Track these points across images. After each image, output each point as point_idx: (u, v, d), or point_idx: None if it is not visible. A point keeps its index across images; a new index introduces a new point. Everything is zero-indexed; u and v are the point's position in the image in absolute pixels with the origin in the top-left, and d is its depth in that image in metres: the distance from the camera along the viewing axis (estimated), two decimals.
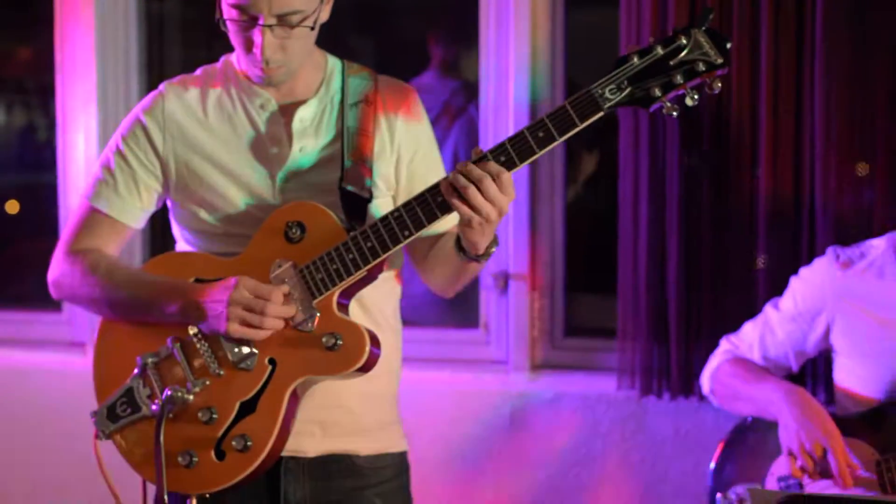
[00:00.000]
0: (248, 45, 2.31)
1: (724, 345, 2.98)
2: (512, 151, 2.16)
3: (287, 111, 2.39)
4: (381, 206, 2.37)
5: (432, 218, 2.22)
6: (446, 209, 2.20)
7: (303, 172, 2.38)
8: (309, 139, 2.39)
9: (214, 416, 2.29)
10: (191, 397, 2.30)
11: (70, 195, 3.85)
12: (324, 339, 2.25)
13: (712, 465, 2.89)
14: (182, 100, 2.43)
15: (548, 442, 3.47)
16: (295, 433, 2.31)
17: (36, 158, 4.45)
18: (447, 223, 2.31)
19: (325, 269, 2.26)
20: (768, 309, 2.94)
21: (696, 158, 3.25)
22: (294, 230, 2.30)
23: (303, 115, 2.39)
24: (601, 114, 2.15)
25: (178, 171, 2.42)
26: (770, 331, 2.91)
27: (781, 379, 2.86)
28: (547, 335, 3.57)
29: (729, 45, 2.16)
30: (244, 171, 2.39)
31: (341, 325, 2.26)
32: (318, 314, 2.26)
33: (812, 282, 2.88)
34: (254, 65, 2.33)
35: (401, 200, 2.31)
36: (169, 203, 2.48)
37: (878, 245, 2.85)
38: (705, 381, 2.97)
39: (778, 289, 2.99)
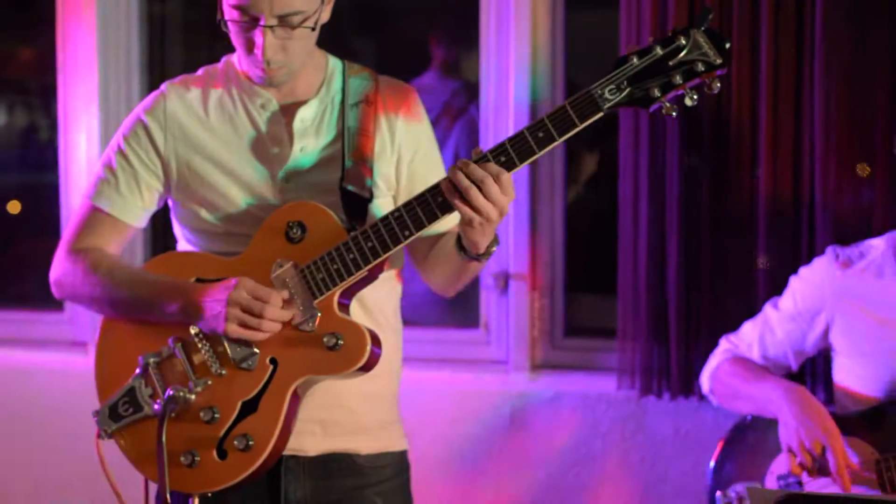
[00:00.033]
0: (250, 46, 2.31)
1: (724, 344, 2.98)
2: (512, 151, 2.17)
3: (288, 111, 2.40)
4: (382, 205, 2.38)
5: (433, 218, 2.22)
6: (447, 209, 2.21)
7: (303, 172, 2.38)
8: (310, 139, 2.40)
9: (216, 415, 2.30)
10: (192, 397, 2.30)
11: (72, 195, 3.86)
12: (325, 339, 2.26)
13: (712, 463, 2.90)
14: (183, 100, 2.44)
15: (548, 441, 3.47)
16: (295, 432, 2.32)
17: (38, 158, 4.46)
18: (448, 223, 2.32)
19: (326, 269, 2.27)
20: (768, 308, 2.95)
21: (696, 158, 3.25)
22: (295, 230, 2.30)
23: (304, 116, 2.40)
24: (601, 114, 2.16)
25: (180, 171, 2.43)
26: (769, 330, 2.92)
27: (781, 378, 2.87)
28: (547, 335, 3.57)
29: (728, 46, 2.16)
30: (245, 171, 2.40)
31: (342, 325, 2.27)
32: (320, 314, 2.26)
33: (811, 281, 2.88)
34: (255, 65, 2.34)
35: (401, 200, 2.31)
36: (170, 202, 2.48)
37: (877, 245, 2.85)
38: (705, 380, 2.98)
39: (777, 288, 2.99)
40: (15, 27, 4.37)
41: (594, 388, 3.45)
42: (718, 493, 2.82)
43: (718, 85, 2.16)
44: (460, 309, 3.73)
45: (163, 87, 2.47)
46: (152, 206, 2.48)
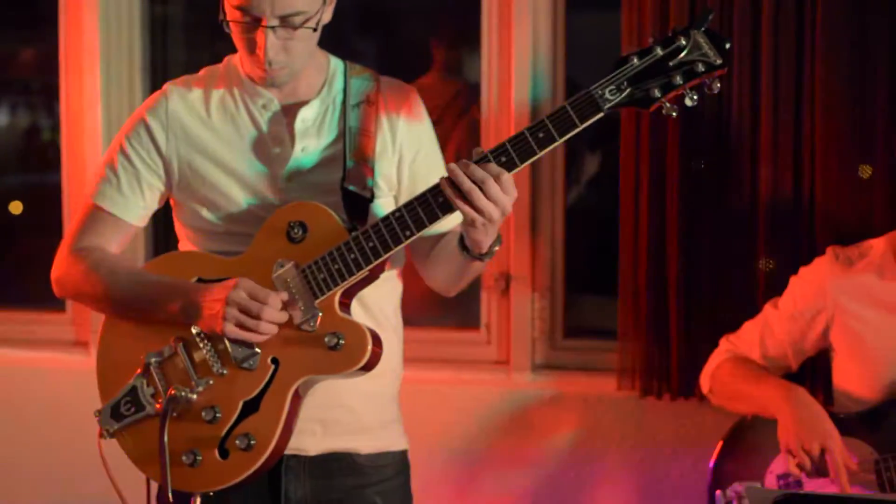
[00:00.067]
0: (251, 47, 2.32)
1: (724, 344, 2.98)
2: (512, 152, 2.18)
3: (289, 111, 2.40)
4: (383, 205, 2.39)
5: (433, 218, 2.23)
6: (447, 209, 2.21)
7: (305, 172, 2.39)
8: (311, 139, 2.41)
9: (218, 415, 2.30)
10: (194, 396, 2.31)
11: (74, 195, 3.86)
12: (326, 339, 2.26)
13: (711, 463, 2.90)
14: (185, 100, 2.45)
15: (548, 442, 3.47)
16: (296, 432, 2.33)
17: (40, 159, 4.47)
18: (449, 223, 2.33)
19: (327, 269, 2.27)
20: (768, 308, 2.95)
21: (697, 159, 3.25)
22: (296, 230, 2.31)
23: (305, 116, 2.41)
24: (601, 114, 2.17)
25: (181, 171, 2.43)
26: (769, 330, 2.92)
27: (781, 378, 2.87)
28: (547, 336, 3.57)
29: (728, 46, 2.17)
30: (247, 171, 2.40)
31: (343, 325, 2.27)
32: (321, 314, 2.27)
33: (812, 281, 2.88)
34: (257, 66, 2.34)
35: (403, 201, 2.32)
36: (172, 202, 2.49)
37: (877, 245, 2.86)
38: (705, 380, 2.98)
39: (777, 289, 3.00)
40: (17, 27, 4.38)
41: (594, 389, 3.45)
42: (718, 493, 2.81)
43: (718, 85, 2.17)
44: (461, 309, 3.73)
45: (165, 87, 2.48)
46: (154, 206, 2.49)
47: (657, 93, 2.16)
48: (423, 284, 2.57)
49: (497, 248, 2.29)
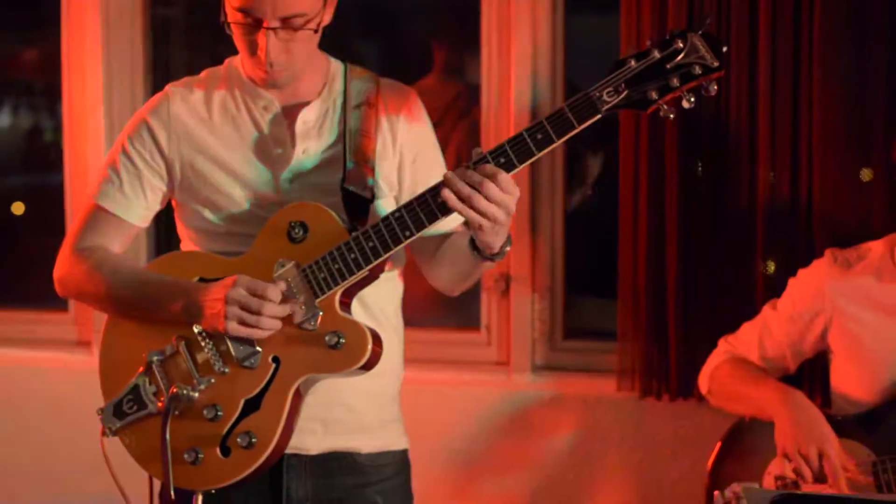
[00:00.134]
0: (253, 48, 2.33)
1: (723, 345, 2.99)
2: (511, 153, 2.19)
3: (290, 113, 2.42)
4: (383, 206, 2.40)
5: (433, 218, 2.24)
6: (446, 210, 2.22)
7: (305, 173, 2.40)
8: (312, 140, 2.42)
9: (219, 413, 2.32)
10: (196, 395, 2.32)
11: (76, 196, 3.88)
12: (327, 338, 2.28)
13: (710, 464, 2.91)
14: (187, 101, 2.46)
15: (548, 442, 3.48)
16: (297, 431, 2.34)
17: (42, 160, 4.48)
18: (450, 222, 2.34)
19: (328, 269, 2.28)
20: (766, 309, 2.96)
21: (695, 161, 3.26)
22: (297, 230, 2.32)
23: (306, 117, 2.42)
24: (599, 116, 2.18)
25: (183, 172, 2.45)
26: (768, 331, 2.93)
27: (778, 381, 2.88)
28: (547, 337, 3.58)
29: (725, 49, 2.18)
30: (248, 172, 2.42)
31: (344, 324, 2.29)
32: (321, 313, 2.28)
33: (810, 283, 2.89)
34: (258, 67, 2.36)
35: (403, 202, 2.33)
36: (174, 203, 2.50)
37: (875, 248, 2.86)
38: (703, 380, 2.99)
39: (776, 291, 3.00)
40: (20, 28, 4.39)
41: (594, 390, 3.46)
42: (716, 494, 2.83)
43: (716, 87, 2.18)
44: (461, 310, 3.74)
45: (166, 89, 2.49)
46: (156, 207, 2.50)
47: (654, 95, 2.17)
48: (423, 285, 2.58)
49: (508, 249, 2.30)
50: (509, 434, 3.51)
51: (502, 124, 3.57)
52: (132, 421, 2.38)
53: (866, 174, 3.16)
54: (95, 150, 3.86)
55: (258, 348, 2.30)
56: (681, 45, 2.16)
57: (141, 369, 2.37)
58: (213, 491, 2.33)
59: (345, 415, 2.43)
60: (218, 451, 2.31)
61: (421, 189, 2.28)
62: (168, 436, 2.27)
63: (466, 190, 2.17)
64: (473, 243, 2.29)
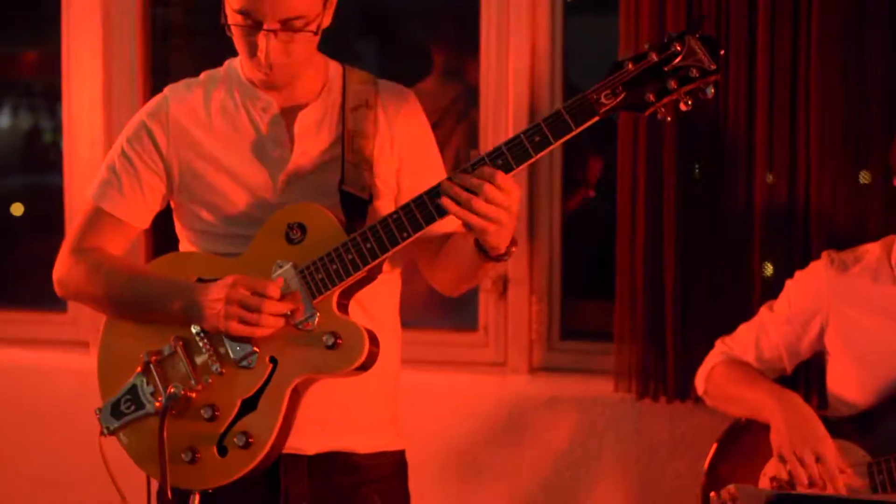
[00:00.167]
0: (252, 50, 2.34)
1: (719, 346, 2.99)
2: (508, 155, 2.19)
3: (289, 114, 2.42)
4: (382, 208, 2.40)
5: (430, 220, 2.25)
6: (444, 212, 2.22)
7: (304, 174, 2.41)
8: (310, 142, 2.43)
9: (216, 413, 2.32)
10: (193, 395, 2.33)
11: (75, 197, 3.88)
12: (324, 339, 2.28)
13: (706, 465, 2.91)
14: (186, 103, 2.47)
15: (545, 443, 3.48)
16: (294, 431, 2.34)
17: (42, 160, 4.48)
18: (452, 223, 2.34)
19: (325, 270, 2.29)
20: (763, 311, 2.96)
21: (693, 164, 3.27)
22: (295, 231, 2.33)
23: (304, 119, 2.42)
24: (596, 118, 2.18)
25: (182, 173, 2.45)
26: (765, 332, 2.93)
27: (775, 383, 2.88)
28: (544, 338, 3.59)
29: (722, 52, 2.19)
30: (246, 173, 2.42)
31: (341, 325, 2.29)
32: (319, 313, 2.29)
33: (807, 284, 2.89)
34: (257, 69, 2.36)
35: (401, 203, 2.34)
36: (172, 204, 2.51)
37: (872, 250, 2.86)
38: (700, 381, 2.99)
39: (773, 292, 3.00)
40: (20, 29, 4.39)
41: (591, 391, 3.47)
42: (713, 495, 2.83)
43: (713, 90, 2.18)
44: (459, 311, 3.74)
45: (165, 90, 2.50)
46: (155, 208, 2.51)
47: (652, 98, 2.17)
48: (421, 286, 2.58)
49: (514, 248, 2.30)
50: (506, 435, 3.51)
51: (501, 126, 3.57)
52: (130, 421, 2.39)
53: (865, 177, 3.17)
54: (94, 152, 3.86)
55: (255, 349, 2.31)
56: (678, 48, 2.17)
57: (139, 369, 2.37)
58: (210, 490, 2.34)
59: (342, 415, 2.44)
60: (215, 450, 2.32)
61: (419, 191, 2.28)
62: (165, 436, 2.27)
63: (465, 195, 2.17)
64: (479, 244, 2.29)
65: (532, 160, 2.20)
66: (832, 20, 3.13)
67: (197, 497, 2.34)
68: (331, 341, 2.27)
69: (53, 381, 3.85)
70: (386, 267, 2.40)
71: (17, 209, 4.42)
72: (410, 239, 2.26)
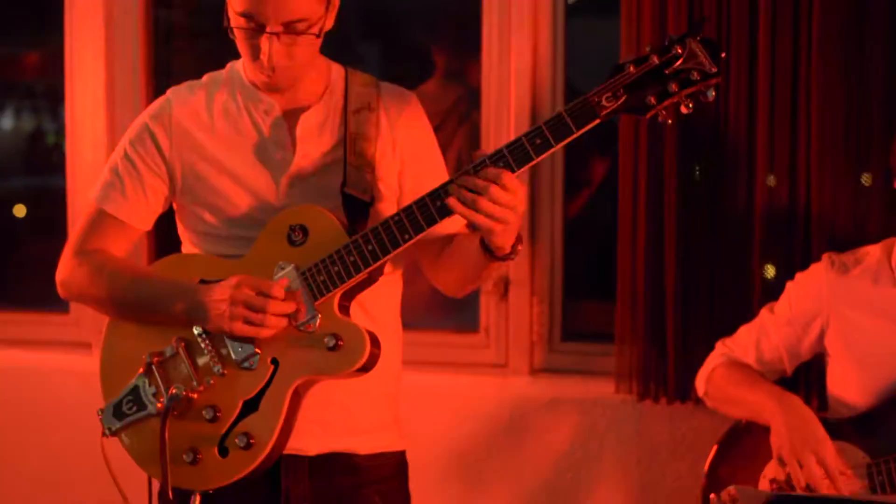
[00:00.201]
0: (255, 52, 2.34)
1: (720, 347, 3.00)
2: (509, 157, 2.20)
3: (291, 117, 2.43)
4: (384, 210, 2.41)
5: (432, 222, 2.25)
6: (445, 213, 2.23)
7: (306, 177, 2.42)
8: (312, 144, 2.43)
9: (218, 414, 2.33)
10: (195, 396, 2.34)
11: (78, 199, 3.89)
12: (325, 340, 2.29)
13: (706, 466, 2.92)
14: (188, 105, 2.47)
15: (545, 444, 3.48)
16: (296, 432, 2.35)
17: (44, 162, 4.49)
18: (454, 224, 2.35)
19: (327, 272, 2.30)
20: (764, 313, 2.96)
21: (694, 166, 3.28)
22: (297, 233, 2.34)
23: (307, 121, 2.43)
24: (598, 121, 2.19)
25: (185, 175, 2.46)
26: (765, 334, 2.94)
27: (775, 385, 2.89)
28: (545, 339, 3.60)
29: (723, 55, 2.19)
30: (249, 176, 2.43)
31: (342, 326, 2.30)
32: (320, 315, 2.30)
33: (808, 286, 2.90)
34: (260, 71, 2.37)
35: (404, 205, 2.34)
36: (175, 206, 2.52)
37: (873, 252, 2.87)
38: (700, 382, 3.00)
39: (774, 294, 3.01)
40: (22, 30, 4.40)
41: (592, 392, 3.47)
42: (713, 497, 2.83)
43: (713, 93, 2.19)
44: (460, 313, 3.75)
45: (168, 93, 2.51)
46: (157, 209, 2.52)
47: (653, 100, 2.18)
48: (422, 287, 2.59)
49: (520, 248, 2.31)
50: (507, 436, 3.51)
51: (503, 128, 3.58)
52: (132, 422, 2.39)
53: (868, 179, 3.17)
54: (97, 153, 3.87)
55: (257, 350, 2.31)
56: (679, 50, 2.17)
57: (141, 370, 2.38)
58: (211, 491, 2.35)
59: (343, 416, 2.45)
60: (216, 451, 2.33)
61: (421, 193, 2.29)
62: (167, 436, 2.28)
63: (471, 195, 2.18)
64: (484, 244, 2.30)
65: (533, 162, 2.21)
66: (832, 20, 3.14)
67: (198, 498, 2.34)
68: (332, 343, 2.28)
69: (55, 382, 3.85)
70: (387, 268, 2.41)
71: (20, 211, 4.43)
72: (412, 241, 2.27)
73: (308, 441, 2.42)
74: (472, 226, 2.24)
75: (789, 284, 2.96)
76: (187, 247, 2.52)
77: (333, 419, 2.44)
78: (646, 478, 3.42)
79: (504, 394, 3.55)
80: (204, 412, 2.33)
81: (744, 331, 2.99)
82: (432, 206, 2.25)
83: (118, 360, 2.44)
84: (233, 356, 2.33)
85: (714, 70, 2.17)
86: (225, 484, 2.33)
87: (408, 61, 4.29)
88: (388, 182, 2.45)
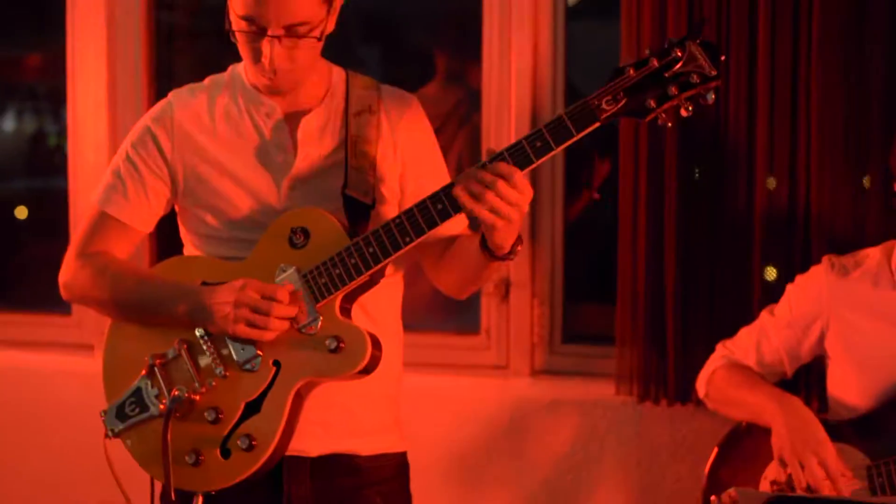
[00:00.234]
0: (257, 56, 2.35)
1: (720, 349, 3.00)
2: (510, 160, 2.20)
3: (292, 119, 2.44)
4: (385, 212, 2.42)
5: (432, 224, 2.26)
6: (446, 216, 2.24)
7: (307, 179, 2.42)
8: (313, 147, 2.44)
9: (220, 415, 2.33)
10: (197, 398, 2.35)
11: (80, 200, 3.89)
12: (327, 342, 2.29)
13: (707, 468, 2.92)
14: (190, 108, 2.48)
15: (546, 445, 3.49)
16: (297, 433, 2.35)
17: (46, 164, 4.50)
18: (456, 226, 2.35)
19: (328, 274, 2.30)
20: (764, 315, 2.97)
21: (694, 169, 3.28)
22: (298, 236, 2.34)
23: (308, 124, 2.44)
24: (598, 124, 2.20)
25: (186, 178, 2.47)
26: (765, 336, 2.94)
27: (775, 387, 2.89)
28: (546, 341, 3.60)
29: (723, 58, 2.20)
30: (250, 178, 2.44)
31: (344, 329, 2.31)
32: (322, 317, 2.30)
33: (808, 288, 2.90)
34: (261, 74, 2.37)
35: (405, 208, 2.35)
36: (176, 208, 2.52)
37: (873, 254, 2.87)
38: (701, 384, 3.00)
39: (774, 296, 3.01)
40: (24, 33, 4.41)
41: (592, 394, 3.47)
42: (713, 498, 2.84)
43: (713, 96, 2.19)
44: (461, 315, 3.75)
45: (169, 95, 2.52)
46: (159, 212, 2.52)
47: (653, 104, 2.19)
48: (423, 289, 2.60)
49: (520, 248, 2.32)
50: (508, 438, 3.51)
51: (503, 131, 3.59)
52: (134, 423, 2.40)
53: (868, 182, 3.18)
54: (99, 155, 3.87)
55: (259, 352, 2.32)
56: (679, 53, 2.18)
57: (143, 372, 2.39)
58: (213, 493, 2.35)
59: (344, 418, 2.45)
60: (218, 453, 2.33)
61: (422, 196, 2.29)
62: (169, 438, 2.29)
63: (478, 187, 2.19)
64: (484, 244, 2.31)
65: (533, 165, 2.22)
66: (832, 21, 3.14)
67: (200, 499, 2.35)
68: (333, 345, 2.29)
69: (57, 384, 3.86)
70: (388, 270, 2.41)
71: (22, 212, 4.43)
72: (413, 243, 2.28)
73: (310, 442, 2.42)
74: (473, 223, 2.24)
75: (789, 287, 2.96)
76: (189, 249, 2.52)
77: (335, 420, 2.44)
78: (646, 479, 3.42)
79: (505, 395, 3.55)
80: (206, 414, 2.34)
81: (744, 333, 2.99)
82: (433, 209, 2.25)
83: (121, 361, 2.44)
84: (235, 358, 2.33)
85: (714, 73, 2.18)
86: (227, 485, 2.34)
87: (408, 64, 4.29)
88: (390, 184, 2.45)
